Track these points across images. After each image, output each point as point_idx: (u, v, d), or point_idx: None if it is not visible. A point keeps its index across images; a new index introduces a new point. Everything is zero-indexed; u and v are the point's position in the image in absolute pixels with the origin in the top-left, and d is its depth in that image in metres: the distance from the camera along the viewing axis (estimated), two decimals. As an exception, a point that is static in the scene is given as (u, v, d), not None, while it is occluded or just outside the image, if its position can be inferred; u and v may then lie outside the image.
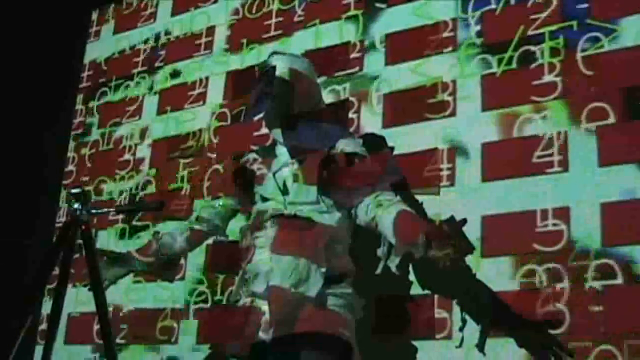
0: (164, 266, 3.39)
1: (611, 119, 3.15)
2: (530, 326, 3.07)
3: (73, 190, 2.50)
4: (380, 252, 2.88)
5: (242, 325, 2.85)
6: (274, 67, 3.05)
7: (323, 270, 2.81)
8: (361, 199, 2.92)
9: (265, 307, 2.81)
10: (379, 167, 2.97)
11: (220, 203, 3.27)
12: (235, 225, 3.30)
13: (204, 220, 3.26)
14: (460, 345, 3.17)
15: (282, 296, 2.77)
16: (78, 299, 4.62)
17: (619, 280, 2.95)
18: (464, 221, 2.54)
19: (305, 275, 2.79)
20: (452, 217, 2.64)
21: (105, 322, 2.57)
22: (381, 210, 2.83)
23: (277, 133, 3.09)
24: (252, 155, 3.24)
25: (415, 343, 3.28)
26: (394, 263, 2.86)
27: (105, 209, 2.57)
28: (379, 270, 2.86)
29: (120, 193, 4.71)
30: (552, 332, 3.00)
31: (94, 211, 2.52)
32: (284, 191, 2.99)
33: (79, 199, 2.48)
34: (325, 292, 2.80)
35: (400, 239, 2.74)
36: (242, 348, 2.83)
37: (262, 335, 2.78)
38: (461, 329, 3.18)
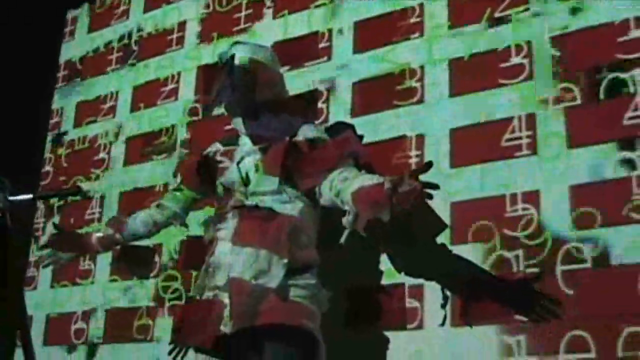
0: (135, 261, 3.37)
1: (579, 100, 3.09)
2: (513, 285, 3.03)
3: None
4: (345, 221, 2.72)
5: (206, 319, 2.80)
6: (233, 57, 3.01)
7: (285, 261, 2.75)
8: (325, 178, 2.84)
9: (227, 299, 2.76)
10: (342, 148, 2.91)
11: (182, 191, 3.23)
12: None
13: (164, 207, 3.24)
14: (443, 323, 3.12)
15: (243, 288, 2.72)
16: (56, 300, 4.60)
17: (589, 264, 2.90)
18: (430, 164, 2.43)
19: (266, 266, 2.74)
20: None
21: (23, 322, 2.47)
22: (347, 183, 2.73)
23: (238, 123, 3.04)
24: (216, 146, 3.20)
25: (387, 334, 3.23)
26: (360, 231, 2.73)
27: (24, 197, 2.47)
28: (342, 240, 2.71)
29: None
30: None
31: (11, 198, 2.43)
32: (246, 181, 2.94)
33: None
34: (288, 283, 2.75)
35: (364, 203, 2.59)
36: (206, 342, 2.78)
37: (223, 328, 2.73)
38: (443, 306, 3.13)
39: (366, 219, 2.60)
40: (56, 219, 4.74)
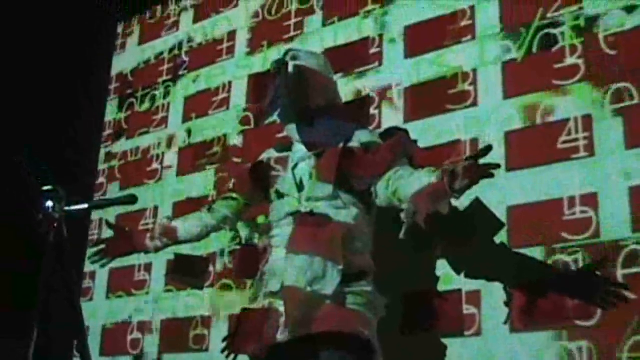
0: (189, 271, 3.38)
1: (636, 99, 3.03)
2: (577, 276, 2.99)
3: (45, 188, 2.42)
4: (403, 215, 2.64)
5: (261, 328, 2.79)
6: (286, 65, 3.00)
7: (340, 267, 2.72)
8: (380, 179, 2.81)
9: (282, 308, 2.74)
10: (396, 149, 2.88)
11: (234, 198, 3.23)
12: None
13: (215, 210, 3.23)
14: (506, 322, 3.08)
15: (298, 295, 2.69)
16: (112, 311, 4.63)
17: (651, 267, 2.83)
18: (489, 148, 2.37)
19: (321, 273, 2.71)
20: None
21: (81, 330, 2.48)
22: (403, 182, 2.70)
23: (292, 130, 3.03)
24: (270, 153, 3.19)
25: (444, 340, 3.19)
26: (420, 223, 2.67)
27: (80, 206, 2.48)
28: (401, 234, 2.63)
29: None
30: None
31: (66, 208, 2.44)
32: (301, 188, 2.93)
33: (52, 197, 2.41)
34: (344, 290, 2.71)
35: (423, 197, 2.54)
36: (261, 350, 2.76)
37: (279, 337, 2.71)
38: (507, 304, 3.08)
39: (425, 212, 2.55)
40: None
